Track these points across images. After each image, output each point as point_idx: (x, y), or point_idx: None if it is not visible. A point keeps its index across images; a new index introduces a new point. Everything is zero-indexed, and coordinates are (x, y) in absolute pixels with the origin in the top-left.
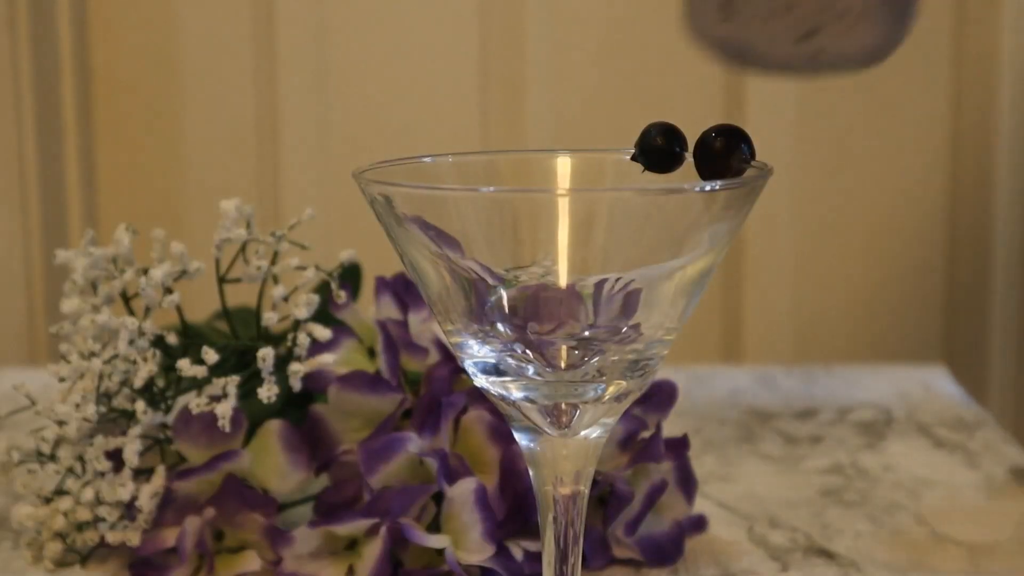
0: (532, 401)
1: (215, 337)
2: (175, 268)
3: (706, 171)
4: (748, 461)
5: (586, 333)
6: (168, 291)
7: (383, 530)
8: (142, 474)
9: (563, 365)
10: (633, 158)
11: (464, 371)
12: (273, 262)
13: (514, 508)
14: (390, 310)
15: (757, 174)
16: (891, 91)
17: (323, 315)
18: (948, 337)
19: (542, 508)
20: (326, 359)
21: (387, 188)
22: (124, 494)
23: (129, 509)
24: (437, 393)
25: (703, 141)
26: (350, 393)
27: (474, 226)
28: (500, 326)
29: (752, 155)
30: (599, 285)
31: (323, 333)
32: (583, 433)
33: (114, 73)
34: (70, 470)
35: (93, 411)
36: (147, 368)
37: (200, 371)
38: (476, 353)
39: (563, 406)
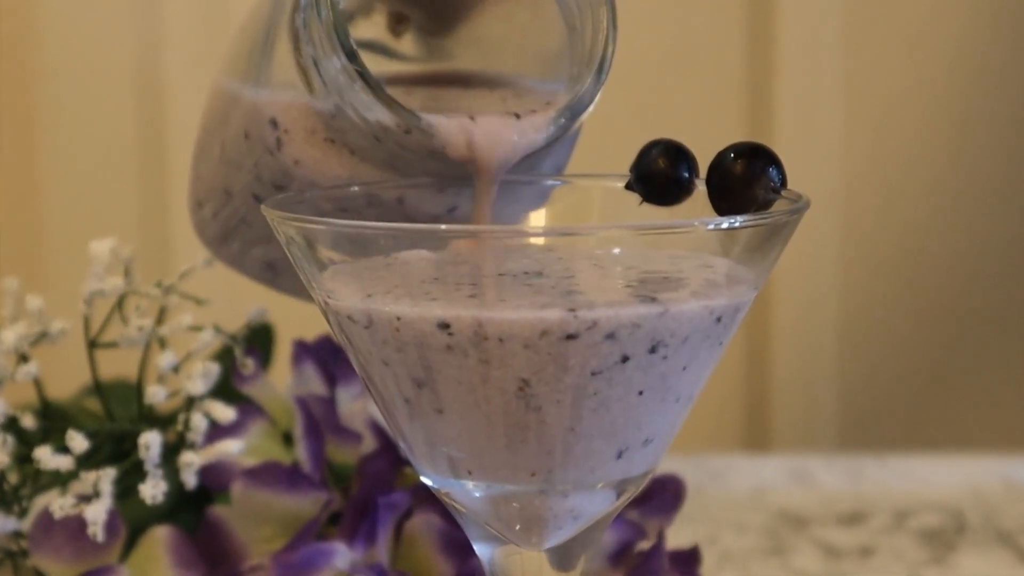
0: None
1: (84, 418)
2: (32, 329)
3: (723, 203)
4: None
5: None
6: (23, 359)
7: None
8: None
9: None
10: (628, 186)
11: (408, 463)
12: (159, 321)
13: None
14: (312, 383)
15: (789, 207)
16: (963, 100)
17: (225, 390)
18: None
19: None
20: (229, 447)
21: (309, 226)
22: None
23: None
24: (373, 491)
25: (719, 164)
26: (260, 491)
27: (422, 274)
28: None
29: (783, 182)
30: None
31: (225, 413)
32: (561, 544)
33: None
34: None
35: None
36: None
37: (65, 462)
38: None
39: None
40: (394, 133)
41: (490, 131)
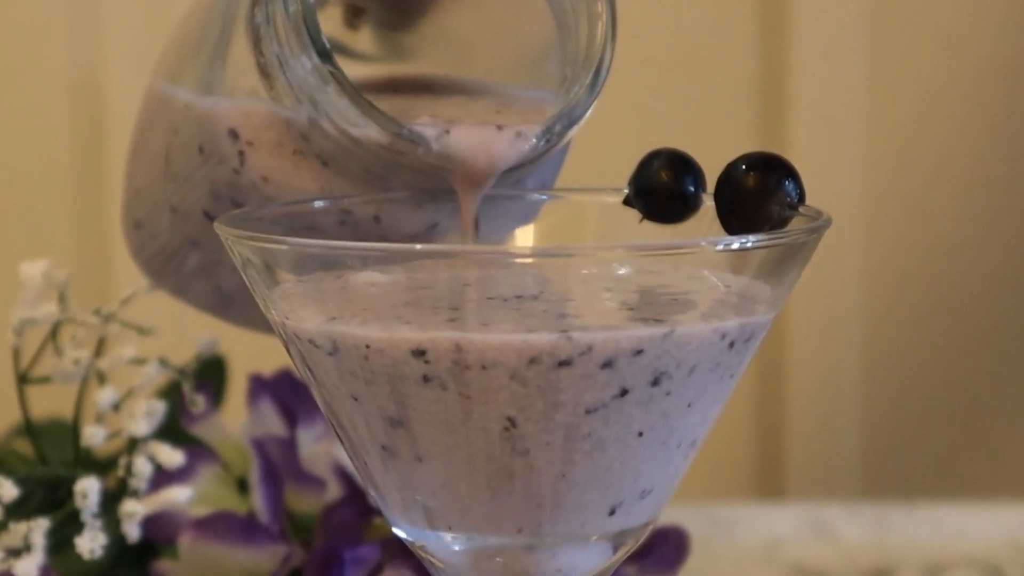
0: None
1: (13, 462)
2: None
3: (733, 221)
4: None
5: None
6: None
7: None
8: None
9: None
10: (627, 201)
11: (378, 512)
12: (98, 353)
13: None
14: (270, 423)
15: (807, 226)
16: (997, 105)
17: (171, 431)
18: None
19: None
20: (176, 495)
21: (268, 246)
22: None
23: None
24: (338, 544)
25: (729, 177)
26: (211, 544)
27: (394, 297)
28: None
29: (800, 197)
30: None
31: (171, 457)
32: None
33: None
34: None
35: None
36: None
37: None
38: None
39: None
40: (371, 143)
41: (479, 140)
